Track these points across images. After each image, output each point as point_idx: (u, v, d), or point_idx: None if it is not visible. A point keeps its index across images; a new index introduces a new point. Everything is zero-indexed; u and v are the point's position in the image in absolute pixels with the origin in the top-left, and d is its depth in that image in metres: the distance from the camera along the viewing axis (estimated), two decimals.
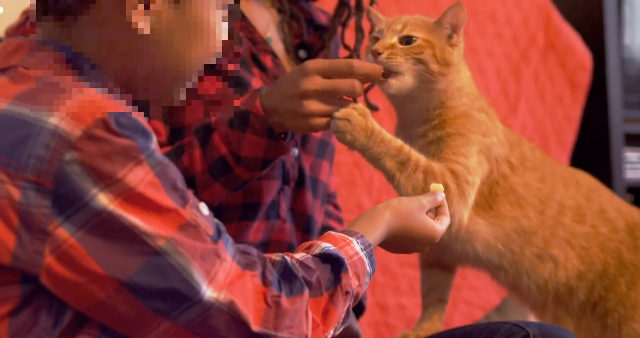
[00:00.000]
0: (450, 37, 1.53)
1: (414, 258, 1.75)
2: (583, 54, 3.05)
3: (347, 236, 1.23)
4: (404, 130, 1.59)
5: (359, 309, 1.78)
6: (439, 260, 1.68)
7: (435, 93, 1.53)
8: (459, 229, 1.55)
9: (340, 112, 1.43)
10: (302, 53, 1.75)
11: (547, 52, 3.01)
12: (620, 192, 3.04)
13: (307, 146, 1.69)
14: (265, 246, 1.61)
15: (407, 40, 1.50)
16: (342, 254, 1.20)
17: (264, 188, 1.60)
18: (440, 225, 1.34)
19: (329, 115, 1.43)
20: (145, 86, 1.19)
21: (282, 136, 1.49)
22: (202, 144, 1.49)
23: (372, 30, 1.58)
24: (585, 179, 1.76)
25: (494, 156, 1.59)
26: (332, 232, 1.24)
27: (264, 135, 1.46)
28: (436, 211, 1.37)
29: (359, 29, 1.74)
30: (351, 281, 1.20)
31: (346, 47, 1.76)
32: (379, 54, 1.48)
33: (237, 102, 1.49)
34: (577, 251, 1.67)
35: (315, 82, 1.41)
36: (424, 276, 1.70)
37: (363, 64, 1.43)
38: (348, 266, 1.19)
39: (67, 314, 1.07)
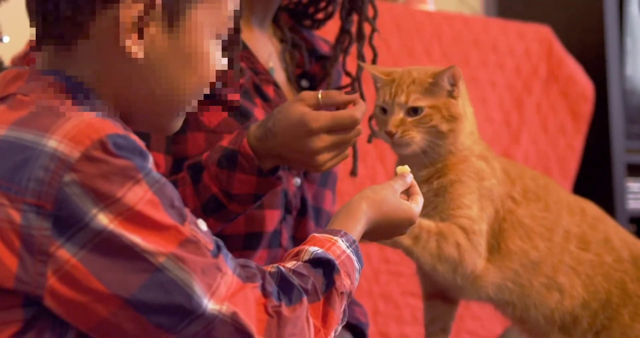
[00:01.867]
0: (451, 91, 1.56)
1: (417, 288, 1.75)
2: (585, 85, 3.06)
3: (331, 236, 1.25)
4: None
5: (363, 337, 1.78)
6: (442, 292, 1.69)
7: (444, 146, 1.57)
8: (473, 278, 1.59)
9: None
10: (304, 82, 1.76)
11: (549, 82, 3.02)
12: (622, 222, 3.04)
13: (309, 175, 1.70)
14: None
15: (414, 110, 1.54)
16: (331, 256, 1.21)
17: (266, 217, 1.61)
18: (416, 206, 1.37)
19: (340, 161, 1.48)
20: (140, 114, 1.20)
21: (272, 170, 1.50)
22: (194, 182, 1.51)
23: (375, 86, 1.60)
24: (590, 208, 1.77)
25: (497, 196, 1.62)
26: (316, 234, 1.25)
27: (253, 173, 1.48)
28: (407, 192, 1.39)
29: (360, 56, 1.75)
30: (344, 281, 1.21)
31: (347, 74, 1.78)
32: (393, 134, 1.53)
33: (224, 142, 1.51)
34: (582, 279, 1.68)
35: (324, 140, 1.44)
36: (427, 307, 1.71)
37: (364, 112, 1.46)
38: (339, 267, 1.21)
39: (69, 336, 1.07)
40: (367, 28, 1.75)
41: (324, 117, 1.43)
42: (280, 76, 1.75)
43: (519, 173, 1.69)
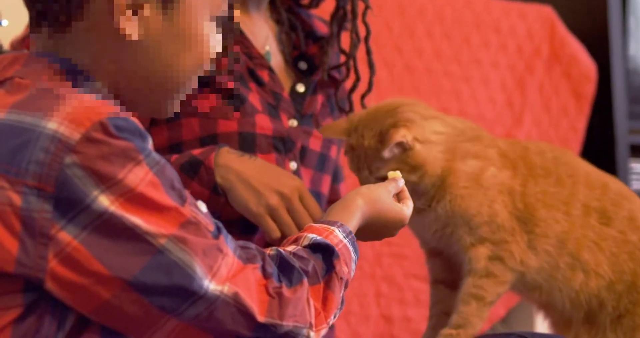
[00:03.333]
0: (403, 149, 1.54)
1: (420, 270, 1.75)
2: (588, 65, 3.04)
3: (328, 226, 1.25)
4: None
5: None
6: (447, 278, 1.69)
7: (424, 184, 1.56)
8: (516, 265, 1.61)
9: (443, 335, 1.58)
10: (302, 64, 1.75)
11: (551, 63, 3.01)
12: None
13: (305, 160, 1.69)
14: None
15: (382, 178, 1.52)
16: (330, 242, 1.22)
17: None
18: (407, 209, 1.38)
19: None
20: (136, 96, 1.20)
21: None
22: None
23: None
24: (615, 184, 1.73)
25: (503, 180, 1.61)
26: (312, 225, 1.26)
27: (208, 188, 1.49)
28: (399, 196, 1.40)
29: (354, 33, 1.74)
30: (343, 267, 1.22)
31: (342, 51, 1.76)
32: None
33: (195, 150, 1.52)
34: (607, 256, 1.65)
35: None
36: (432, 290, 1.71)
37: None
38: (338, 253, 1.22)
39: (69, 320, 1.07)
40: (361, 6, 1.74)
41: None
42: (277, 59, 1.74)
43: (521, 152, 1.67)
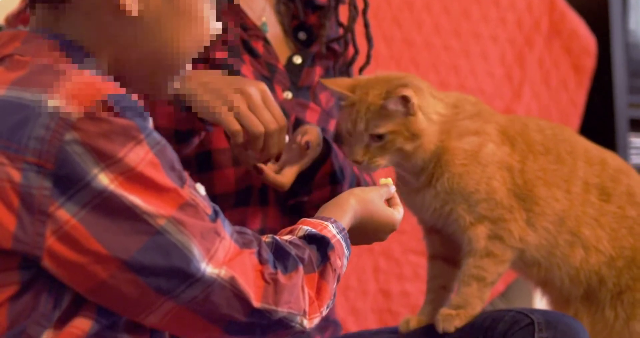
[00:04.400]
0: (406, 111, 1.53)
1: (418, 245, 1.75)
2: (588, 39, 3.03)
3: (322, 221, 1.25)
4: (405, 186, 1.62)
5: None
6: (445, 254, 1.69)
7: (417, 157, 1.56)
8: (515, 243, 1.61)
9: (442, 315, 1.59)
10: (301, 35, 1.73)
11: (551, 37, 3.00)
12: None
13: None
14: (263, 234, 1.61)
15: (377, 136, 1.52)
16: (325, 234, 1.22)
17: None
18: (398, 214, 1.38)
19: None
20: (134, 75, 1.19)
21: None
22: None
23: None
24: (613, 159, 1.73)
25: (502, 156, 1.61)
26: (306, 219, 1.26)
27: (171, 105, 1.45)
28: (390, 202, 1.40)
29: (352, 6, 1.73)
30: (337, 260, 1.22)
31: (340, 24, 1.75)
32: (360, 163, 1.53)
33: None
34: (607, 232, 1.65)
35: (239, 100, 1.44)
36: (430, 265, 1.71)
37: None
38: (333, 245, 1.22)
39: (65, 298, 1.07)
40: None
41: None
42: (276, 30, 1.72)
43: (520, 128, 1.66)
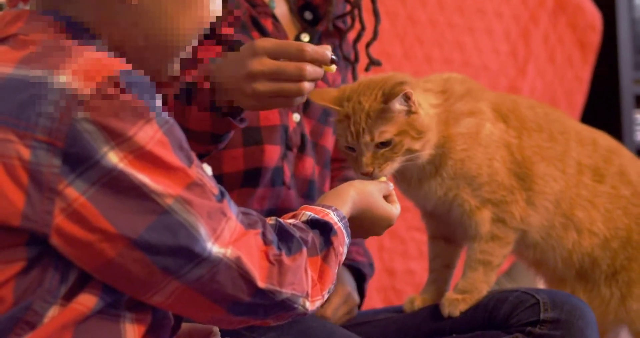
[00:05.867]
0: (408, 110, 1.50)
1: (423, 223, 1.74)
2: (593, 15, 3.02)
3: (323, 208, 1.26)
4: (404, 183, 1.61)
5: (362, 276, 1.77)
6: (446, 234, 1.69)
7: (425, 153, 1.54)
8: (517, 224, 1.61)
9: (447, 300, 1.59)
10: (307, 14, 1.72)
11: (556, 12, 2.98)
12: None
13: (309, 111, 1.67)
14: (272, 214, 1.60)
15: (382, 144, 1.49)
16: (328, 220, 1.23)
17: (266, 153, 1.59)
18: (395, 210, 1.37)
19: (280, 95, 1.37)
20: (136, 57, 1.18)
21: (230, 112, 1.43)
22: None
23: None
24: (603, 139, 1.73)
25: (500, 134, 1.60)
26: (308, 205, 1.26)
27: (207, 109, 1.41)
28: (387, 200, 1.39)
29: None
30: (339, 246, 1.22)
31: (347, 1, 1.74)
32: (371, 174, 1.48)
33: (188, 76, 1.45)
34: (602, 213, 1.66)
35: (264, 63, 1.34)
36: (431, 245, 1.71)
37: (314, 49, 1.35)
38: (336, 230, 1.22)
39: (71, 275, 1.07)
40: None
41: (272, 41, 1.36)
42: (282, 8, 1.71)
43: (511, 105, 1.65)
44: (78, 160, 1.03)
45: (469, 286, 1.59)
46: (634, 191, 1.68)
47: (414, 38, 2.77)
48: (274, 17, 1.66)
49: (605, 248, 1.66)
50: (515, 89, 2.86)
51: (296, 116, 1.64)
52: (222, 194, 1.11)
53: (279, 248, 1.13)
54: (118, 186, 1.03)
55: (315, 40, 1.70)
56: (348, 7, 1.75)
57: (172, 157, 1.06)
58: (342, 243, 1.24)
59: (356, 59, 1.75)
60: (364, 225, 1.35)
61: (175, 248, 1.05)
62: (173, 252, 1.05)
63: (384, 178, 1.42)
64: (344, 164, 1.81)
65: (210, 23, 1.23)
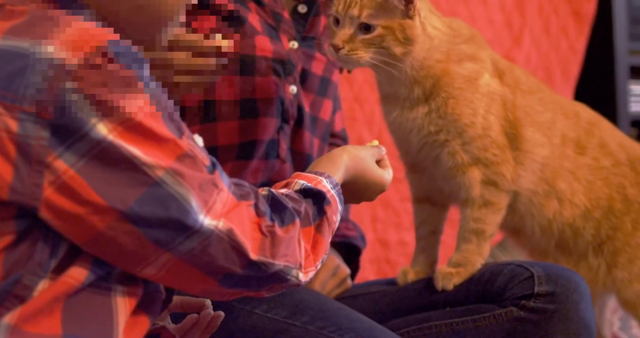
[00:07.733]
0: (406, 10, 1.48)
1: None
2: None
3: (316, 176, 1.25)
4: (391, 105, 1.58)
5: (356, 250, 1.76)
6: (431, 196, 1.67)
7: (405, 68, 1.51)
8: (509, 185, 1.60)
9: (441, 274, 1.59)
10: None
11: None
12: (624, 125, 3.02)
13: (306, 83, 1.65)
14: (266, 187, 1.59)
15: (365, 27, 1.46)
16: (321, 189, 1.22)
17: (260, 125, 1.58)
18: (387, 175, 1.37)
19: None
20: (124, 27, 1.16)
21: None
22: None
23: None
24: (585, 111, 1.73)
25: (496, 89, 1.59)
26: (300, 173, 1.26)
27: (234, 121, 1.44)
28: (379, 164, 1.39)
29: None
30: (333, 215, 1.22)
31: None
32: (340, 49, 1.46)
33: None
34: (583, 185, 1.66)
35: None
36: (416, 210, 1.69)
37: None
38: (329, 199, 1.21)
39: (61, 248, 1.06)
40: None
41: None
42: None
43: (508, 64, 1.65)
44: (67, 132, 1.01)
45: (463, 260, 1.58)
46: (615, 161, 1.69)
47: None
48: None
49: (587, 219, 1.66)
50: (510, 59, 2.84)
51: (293, 89, 1.62)
52: (213, 165, 1.10)
53: (271, 220, 1.12)
54: (107, 158, 1.02)
55: (313, 11, 1.68)
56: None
57: (162, 128, 1.04)
58: (335, 211, 1.23)
59: None
60: (357, 190, 1.34)
61: (166, 220, 1.04)
62: (164, 224, 1.04)
63: (376, 142, 1.40)
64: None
65: None
